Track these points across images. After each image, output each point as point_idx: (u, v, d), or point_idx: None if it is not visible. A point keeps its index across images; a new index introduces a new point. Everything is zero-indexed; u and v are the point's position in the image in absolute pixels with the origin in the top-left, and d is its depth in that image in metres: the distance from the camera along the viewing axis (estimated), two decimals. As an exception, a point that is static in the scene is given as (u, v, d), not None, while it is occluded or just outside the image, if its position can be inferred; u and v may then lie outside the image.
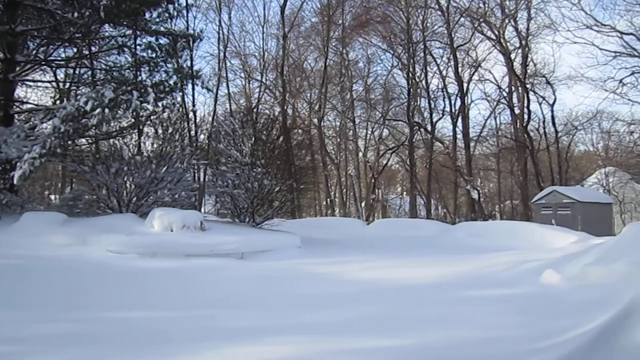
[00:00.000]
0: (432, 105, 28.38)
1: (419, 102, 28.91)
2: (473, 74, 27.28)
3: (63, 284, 6.78)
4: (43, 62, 15.07)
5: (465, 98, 26.94)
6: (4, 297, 5.74)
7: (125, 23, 13.78)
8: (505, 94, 26.81)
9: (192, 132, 21.73)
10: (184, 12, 21.44)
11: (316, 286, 7.09)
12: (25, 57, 13.78)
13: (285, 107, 27.62)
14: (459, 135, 27.05)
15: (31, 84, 17.30)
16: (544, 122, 26.14)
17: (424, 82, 28.15)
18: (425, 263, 9.10)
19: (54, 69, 18.22)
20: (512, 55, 25.26)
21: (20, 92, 17.17)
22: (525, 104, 24.84)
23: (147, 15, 13.80)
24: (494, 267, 8.22)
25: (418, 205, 29.76)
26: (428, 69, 28.21)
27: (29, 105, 15.64)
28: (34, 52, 14.81)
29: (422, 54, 27.73)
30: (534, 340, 4.07)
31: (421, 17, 27.34)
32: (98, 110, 10.24)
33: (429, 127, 28.23)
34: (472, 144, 27.57)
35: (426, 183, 28.69)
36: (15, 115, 13.63)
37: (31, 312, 5.12)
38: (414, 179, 28.54)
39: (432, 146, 28.11)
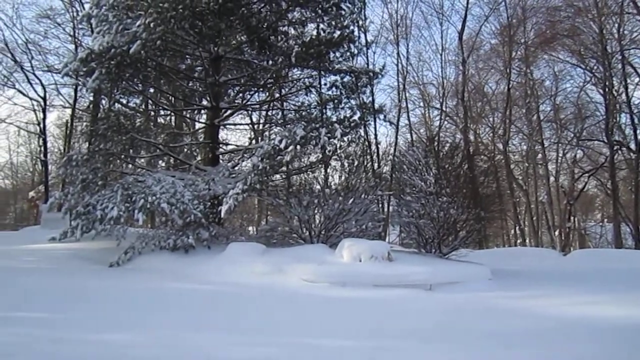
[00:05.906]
0: (635, 121, 25.39)
1: (618, 119, 26.22)
2: (686, 81, 24.00)
3: (262, 309, 7.31)
4: (241, 107, 16.77)
5: (678, 109, 23.70)
6: (211, 321, 6.34)
7: (311, 65, 14.79)
8: None
9: (376, 164, 22.27)
10: (364, 49, 22.34)
11: (509, 321, 6.64)
12: (227, 103, 15.47)
13: (467, 134, 26.97)
14: (671, 152, 23.80)
15: (231, 126, 19.35)
16: None
17: (623, 95, 25.30)
18: (640, 300, 8.05)
19: (250, 112, 20.27)
20: None
21: (222, 134, 19.34)
22: None
23: (331, 55, 14.65)
24: None
25: (623, 233, 26.59)
26: (628, 81, 25.30)
27: (231, 146, 17.49)
28: (234, 98, 16.55)
29: (619, 66, 25.03)
30: None
31: (616, 25, 24.73)
32: (291, 147, 11.04)
33: (632, 146, 25.26)
34: (689, 162, 24.02)
35: (632, 208, 25.47)
36: (220, 156, 15.27)
37: (230, 336, 5.60)
38: (617, 204, 25.63)
39: (637, 166, 25.03)
